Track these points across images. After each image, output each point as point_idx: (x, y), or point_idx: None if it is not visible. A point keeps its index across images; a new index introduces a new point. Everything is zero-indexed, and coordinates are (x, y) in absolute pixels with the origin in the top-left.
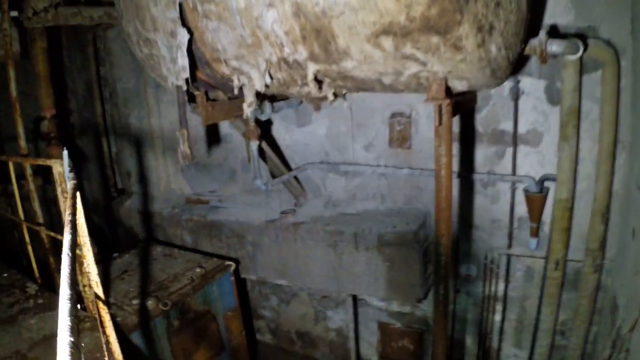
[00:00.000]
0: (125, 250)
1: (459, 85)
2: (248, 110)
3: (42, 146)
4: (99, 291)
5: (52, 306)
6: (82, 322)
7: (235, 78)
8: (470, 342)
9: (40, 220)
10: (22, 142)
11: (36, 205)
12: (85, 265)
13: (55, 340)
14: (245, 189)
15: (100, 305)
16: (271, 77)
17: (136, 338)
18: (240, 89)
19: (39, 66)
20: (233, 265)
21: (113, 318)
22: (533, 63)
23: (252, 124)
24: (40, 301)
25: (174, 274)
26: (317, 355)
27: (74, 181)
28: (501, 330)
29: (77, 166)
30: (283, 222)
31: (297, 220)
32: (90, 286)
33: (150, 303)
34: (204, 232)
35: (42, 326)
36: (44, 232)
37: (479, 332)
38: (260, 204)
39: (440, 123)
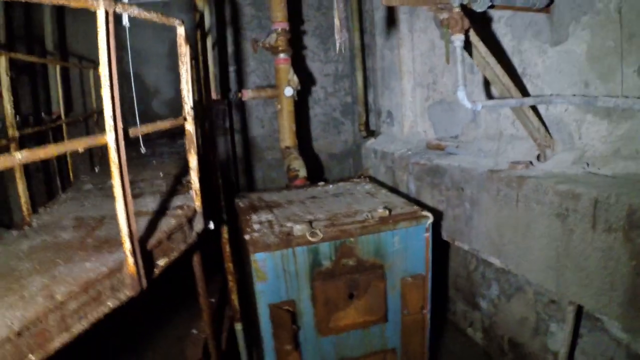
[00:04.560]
0: (331, 181)
1: None
2: None
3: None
4: None
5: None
6: None
7: None
8: None
9: None
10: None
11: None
12: None
13: None
14: (487, 135)
15: None
16: None
17: (262, 260)
18: None
19: None
20: (430, 217)
21: (246, 233)
22: None
23: (455, 9)
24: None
25: (356, 210)
26: None
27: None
28: None
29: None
30: (508, 174)
31: (525, 174)
32: None
33: (298, 228)
34: (427, 179)
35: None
36: None
37: None
38: (496, 153)
39: None
